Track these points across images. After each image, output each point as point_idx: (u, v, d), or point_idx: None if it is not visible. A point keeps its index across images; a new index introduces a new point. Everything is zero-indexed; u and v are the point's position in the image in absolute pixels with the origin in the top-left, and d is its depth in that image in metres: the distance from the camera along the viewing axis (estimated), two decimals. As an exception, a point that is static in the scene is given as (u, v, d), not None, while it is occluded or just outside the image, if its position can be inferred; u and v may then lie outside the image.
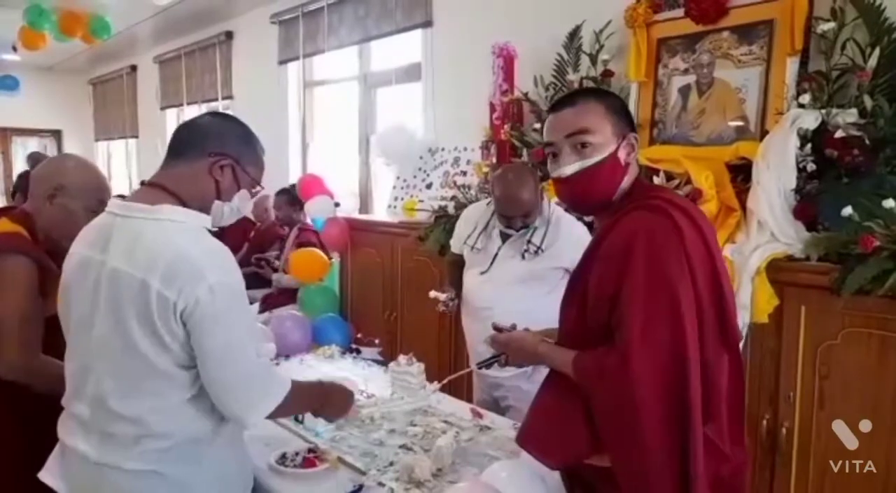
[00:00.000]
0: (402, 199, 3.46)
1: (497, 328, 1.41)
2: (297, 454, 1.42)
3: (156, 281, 1.09)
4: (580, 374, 1.13)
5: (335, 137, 4.60)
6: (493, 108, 2.90)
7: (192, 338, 1.12)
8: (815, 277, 1.67)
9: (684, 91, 2.36)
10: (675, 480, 1.07)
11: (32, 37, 5.05)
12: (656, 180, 2.01)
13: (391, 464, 1.41)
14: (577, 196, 1.24)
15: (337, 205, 3.32)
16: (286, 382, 1.23)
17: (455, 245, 2.23)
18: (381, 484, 1.34)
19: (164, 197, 1.19)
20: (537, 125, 2.60)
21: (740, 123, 2.17)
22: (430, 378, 1.84)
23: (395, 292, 3.08)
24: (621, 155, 1.19)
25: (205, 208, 1.24)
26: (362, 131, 4.16)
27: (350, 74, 4.26)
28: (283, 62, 4.60)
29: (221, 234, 4.72)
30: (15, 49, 6.04)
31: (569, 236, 1.94)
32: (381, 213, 3.81)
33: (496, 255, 2.01)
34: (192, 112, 6.34)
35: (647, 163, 2.11)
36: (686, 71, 2.36)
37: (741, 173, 1.99)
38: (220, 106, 5.58)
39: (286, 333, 2.07)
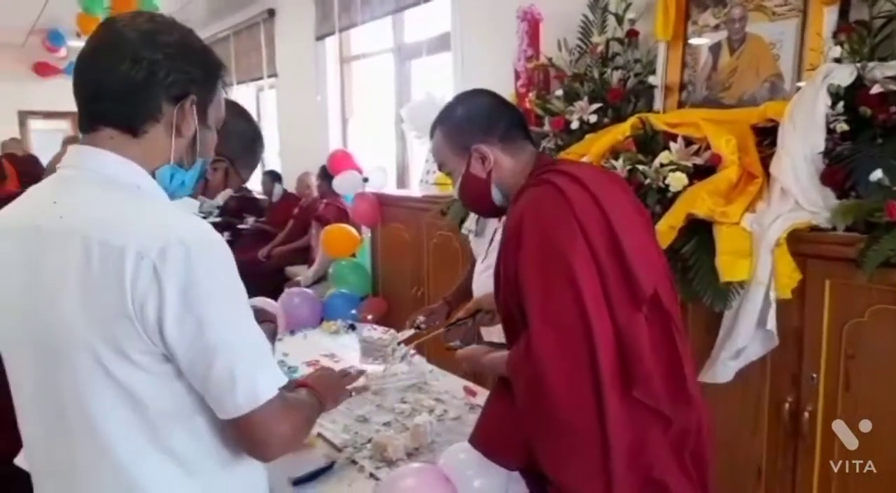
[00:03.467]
0: (434, 172, 3.41)
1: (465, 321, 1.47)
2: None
3: None
4: (508, 372, 1.11)
5: (374, 112, 4.59)
6: (517, 75, 2.79)
7: None
8: (840, 248, 1.51)
9: (715, 49, 2.18)
10: (600, 458, 1.03)
11: (88, 22, 5.25)
12: (673, 147, 1.88)
13: (369, 441, 1.39)
14: (472, 210, 1.45)
15: (365, 180, 3.31)
16: None
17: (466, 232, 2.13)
18: (353, 462, 1.32)
19: None
20: (559, 92, 2.48)
21: (774, 82, 2.00)
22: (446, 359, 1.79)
23: (422, 267, 3.05)
24: (475, 170, 1.24)
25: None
26: (398, 105, 4.12)
27: (385, 47, 4.22)
28: (320, 38, 4.60)
29: (271, 211, 4.87)
30: (79, 35, 6.34)
31: None
32: (417, 188, 3.78)
33: (492, 238, 1.90)
34: (241, 92, 6.47)
35: (665, 128, 1.97)
36: (717, 27, 2.18)
37: (769, 137, 1.83)
38: (265, 84, 5.66)
39: (294, 309, 2.09)
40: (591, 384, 1.01)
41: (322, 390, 1.09)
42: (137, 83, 0.89)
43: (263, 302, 1.72)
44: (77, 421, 0.87)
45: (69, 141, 4.62)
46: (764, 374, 1.72)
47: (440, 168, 1.34)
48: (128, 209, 0.87)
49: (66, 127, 8.53)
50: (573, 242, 1.04)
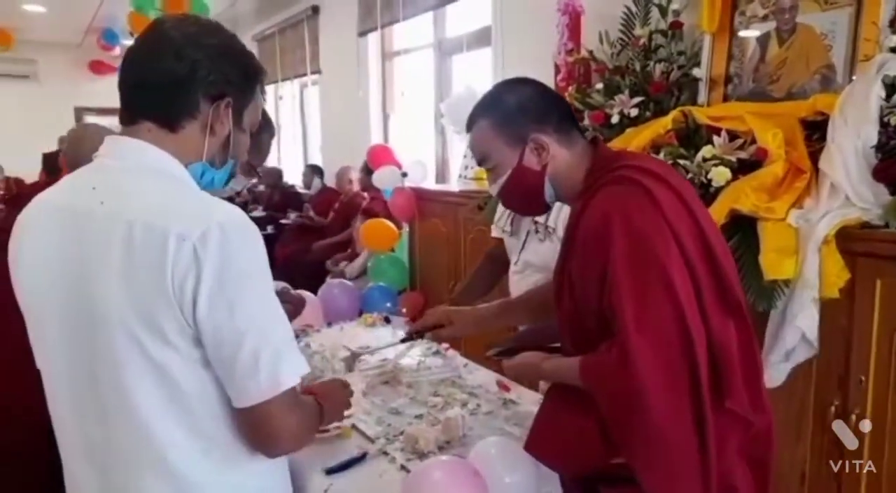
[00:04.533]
0: (473, 167, 3.40)
1: (498, 354, 1.34)
2: (312, 418, 1.44)
3: None
4: (586, 380, 1.05)
5: (414, 107, 4.60)
6: (557, 69, 2.76)
7: None
8: (892, 246, 1.45)
9: (763, 40, 2.11)
10: (699, 471, 1.00)
11: (140, 21, 5.40)
12: (717, 140, 1.83)
13: (401, 433, 1.40)
14: (513, 208, 1.36)
15: (404, 175, 3.32)
16: None
17: (495, 230, 2.03)
18: (385, 453, 1.33)
19: None
20: (599, 85, 2.44)
21: (825, 74, 1.93)
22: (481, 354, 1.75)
23: (459, 262, 3.05)
24: (530, 162, 1.15)
25: None
26: (438, 100, 4.13)
27: (426, 42, 4.23)
28: (362, 34, 4.63)
29: (309, 204, 4.94)
30: (131, 34, 6.54)
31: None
32: (456, 183, 3.78)
33: (525, 240, 1.83)
34: (286, 88, 6.58)
35: (708, 122, 1.92)
36: (765, 17, 2.11)
37: (818, 130, 1.77)
38: (309, 81, 5.74)
39: (333, 300, 2.11)
40: (690, 396, 0.97)
41: (327, 406, 1.08)
42: (178, 78, 0.93)
43: (302, 294, 1.75)
44: (114, 399, 0.89)
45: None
46: (809, 376, 1.66)
47: (480, 163, 1.25)
48: (169, 195, 0.91)
49: (118, 123, 8.82)
50: (668, 248, 0.99)
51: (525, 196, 1.21)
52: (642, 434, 0.99)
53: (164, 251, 0.84)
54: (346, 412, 1.24)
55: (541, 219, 1.76)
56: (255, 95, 1.03)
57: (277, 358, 0.88)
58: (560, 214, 1.71)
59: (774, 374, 1.63)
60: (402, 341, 1.52)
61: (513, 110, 1.17)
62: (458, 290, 2.06)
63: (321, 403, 1.07)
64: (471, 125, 1.23)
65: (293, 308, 1.45)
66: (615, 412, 1.01)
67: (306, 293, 1.96)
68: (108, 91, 8.26)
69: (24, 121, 8.06)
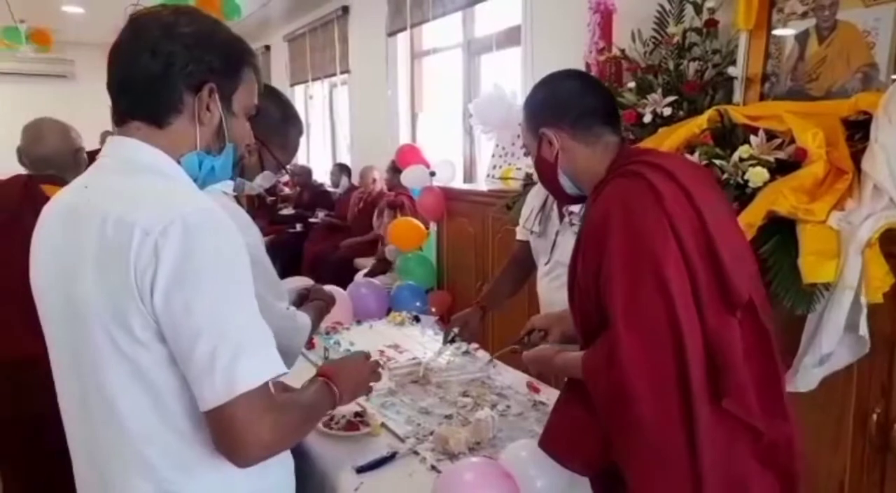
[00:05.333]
0: (501, 167, 3.39)
1: (520, 341, 1.37)
2: (343, 416, 1.44)
3: None
4: (584, 374, 1.06)
5: (443, 107, 4.60)
6: (588, 68, 2.73)
7: None
8: (939, 250, 1.40)
9: (801, 38, 2.06)
10: (688, 472, 0.98)
11: (173, 22, 5.49)
12: (754, 140, 1.79)
13: (431, 433, 1.39)
14: (550, 192, 1.37)
15: (432, 174, 3.32)
16: None
17: (520, 232, 2.03)
18: (415, 453, 1.32)
19: None
20: (632, 85, 2.41)
21: (867, 72, 1.87)
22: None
23: (486, 261, 3.04)
24: (544, 153, 1.22)
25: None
26: (466, 100, 4.12)
27: (455, 42, 4.22)
28: (392, 34, 4.64)
29: (337, 203, 4.98)
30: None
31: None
32: (484, 182, 3.77)
33: (555, 240, 1.82)
34: (316, 87, 6.63)
35: (745, 121, 1.88)
36: (804, 14, 2.06)
37: (861, 130, 1.72)
38: (338, 80, 5.78)
39: (361, 299, 2.12)
40: (678, 395, 0.96)
41: (341, 383, 1.05)
42: (156, 75, 0.90)
43: (332, 289, 1.76)
44: (96, 396, 0.89)
45: (106, 135, 4.90)
46: (849, 383, 1.61)
47: (525, 148, 1.34)
48: (143, 190, 0.89)
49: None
50: (665, 243, 0.98)
51: (546, 183, 1.30)
52: (628, 430, 0.99)
53: (129, 245, 0.82)
54: (373, 385, 1.21)
55: (576, 208, 1.76)
56: (244, 78, 0.98)
57: (236, 358, 0.82)
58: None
59: (805, 378, 1.59)
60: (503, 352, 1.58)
61: (535, 106, 1.26)
62: (483, 293, 2.06)
63: (334, 384, 1.04)
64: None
65: (324, 305, 1.46)
66: (604, 407, 1.02)
67: (337, 289, 1.97)
68: (141, 91, 8.42)
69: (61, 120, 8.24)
